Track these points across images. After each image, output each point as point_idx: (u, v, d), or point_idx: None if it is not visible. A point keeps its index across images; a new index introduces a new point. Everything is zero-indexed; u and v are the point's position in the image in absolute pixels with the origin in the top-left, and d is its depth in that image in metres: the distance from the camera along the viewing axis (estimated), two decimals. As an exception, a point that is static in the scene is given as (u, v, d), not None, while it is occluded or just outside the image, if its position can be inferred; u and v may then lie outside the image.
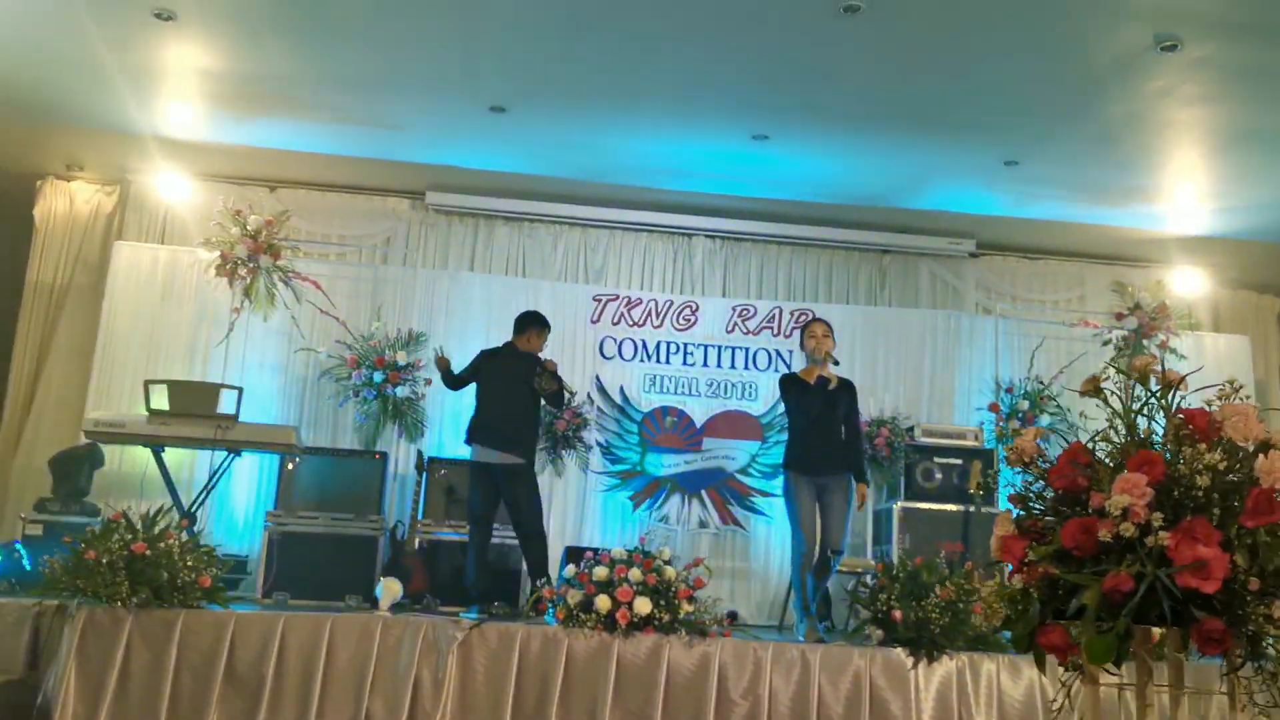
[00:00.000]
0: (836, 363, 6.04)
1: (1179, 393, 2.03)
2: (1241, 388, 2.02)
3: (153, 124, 7.32)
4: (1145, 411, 1.99)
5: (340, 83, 6.69)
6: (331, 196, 8.40)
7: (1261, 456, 1.82)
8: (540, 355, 6.45)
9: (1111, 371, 2.06)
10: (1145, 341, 8.01)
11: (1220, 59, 5.79)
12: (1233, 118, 6.50)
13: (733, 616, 6.88)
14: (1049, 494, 1.94)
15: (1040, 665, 1.92)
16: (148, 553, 4.63)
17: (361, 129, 7.36)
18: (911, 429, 7.82)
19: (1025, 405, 7.78)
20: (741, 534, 7.90)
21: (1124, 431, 1.96)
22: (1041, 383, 7.84)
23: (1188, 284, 8.74)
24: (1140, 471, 1.80)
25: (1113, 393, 2.01)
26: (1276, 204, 7.68)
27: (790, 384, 6.07)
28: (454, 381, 6.45)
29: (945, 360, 8.29)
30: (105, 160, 8.04)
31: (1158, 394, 1.96)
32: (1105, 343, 8.11)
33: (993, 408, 7.81)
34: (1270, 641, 1.80)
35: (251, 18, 5.89)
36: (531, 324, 6.48)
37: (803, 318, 8.21)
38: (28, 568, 5.94)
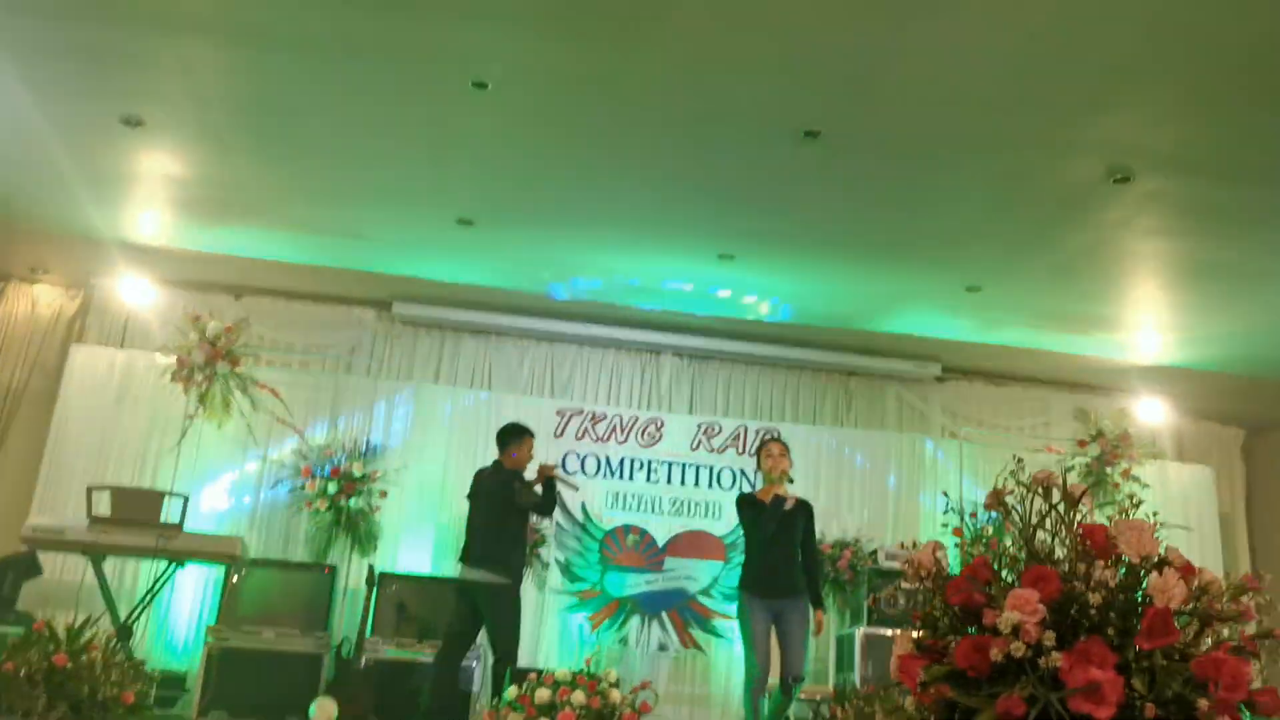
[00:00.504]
0: (791, 480, 5.94)
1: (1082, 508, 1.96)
2: (1143, 502, 1.95)
3: (118, 229, 7.32)
4: (1049, 527, 1.92)
5: (307, 193, 6.74)
6: (297, 304, 8.37)
7: (1156, 574, 1.74)
8: (525, 466, 6.34)
9: (1014, 485, 1.99)
10: (1109, 469, 7.98)
11: (1174, 194, 5.89)
12: (1190, 251, 6.59)
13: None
14: (949, 611, 1.86)
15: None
16: (69, 665, 4.42)
17: (328, 238, 7.38)
18: (874, 552, 7.70)
19: (990, 530, 7.67)
20: (702, 658, 7.69)
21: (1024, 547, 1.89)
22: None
23: (1151, 412, 8.77)
24: (1034, 587, 1.72)
25: (1013, 508, 1.94)
26: (1236, 336, 7.74)
27: (745, 504, 5.98)
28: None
29: (910, 483, 8.23)
30: (69, 264, 8.02)
31: (1056, 506, 1.90)
32: (1069, 469, 8.07)
33: (956, 532, 7.68)
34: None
35: (220, 127, 5.94)
36: (509, 437, 6.36)
37: (768, 436, 8.15)
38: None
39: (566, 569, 7.74)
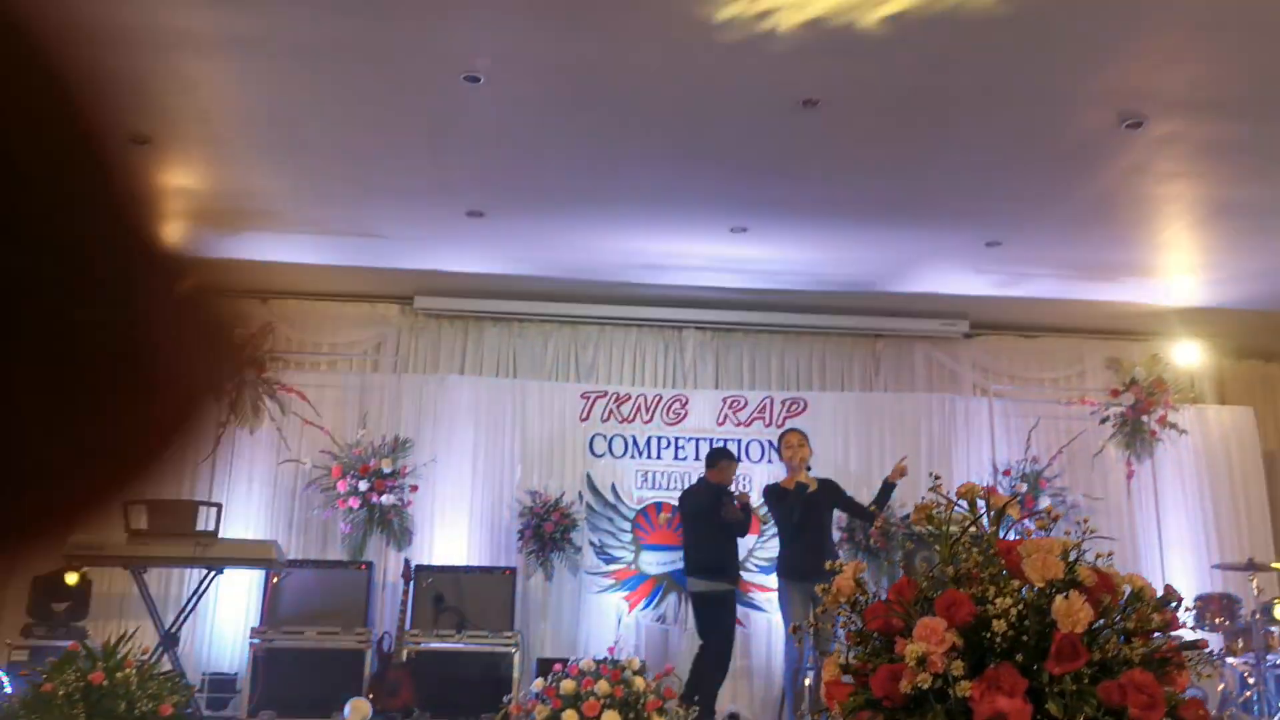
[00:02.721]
0: (810, 468, 6.11)
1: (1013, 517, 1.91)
2: (1060, 517, 1.90)
3: (139, 243, 7.42)
4: (971, 542, 1.88)
5: (317, 196, 6.78)
6: (322, 305, 8.46)
7: (1060, 598, 1.69)
8: (729, 487, 6.90)
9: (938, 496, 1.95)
10: (1145, 418, 7.84)
11: (1189, 135, 5.74)
12: (1211, 191, 6.42)
13: (734, 717, 6.69)
14: (871, 635, 1.83)
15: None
16: (104, 683, 4.55)
17: (345, 239, 7.44)
18: (907, 516, 7.64)
19: (1024, 488, 7.59)
20: (741, 631, 7.69)
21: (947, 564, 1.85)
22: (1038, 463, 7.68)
23: (1189, 356, 8.58)
24: (945, 614, 1.68)
25: (941, 522, 1.90)
26: (1271, 273, 7.55)
27: (771, 495, 6.31)
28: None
29: (942, 444, 8.14)
30: (97, 280, 8.14)
31: (976, 521, 1.85)
32: (1103, 420, 7.95)
33: (990, 491, 7.62)
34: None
35: (224, 139, 6.00)
36: (720, 459, 6.93)
37: (794, 407, 8.13)
38: (5, 699, 5.87)
39: (601, 550, 7.79)
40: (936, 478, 2.13)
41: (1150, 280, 7.76)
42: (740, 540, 7.00)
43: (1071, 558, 1.72)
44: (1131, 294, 8.03)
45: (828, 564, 2.04)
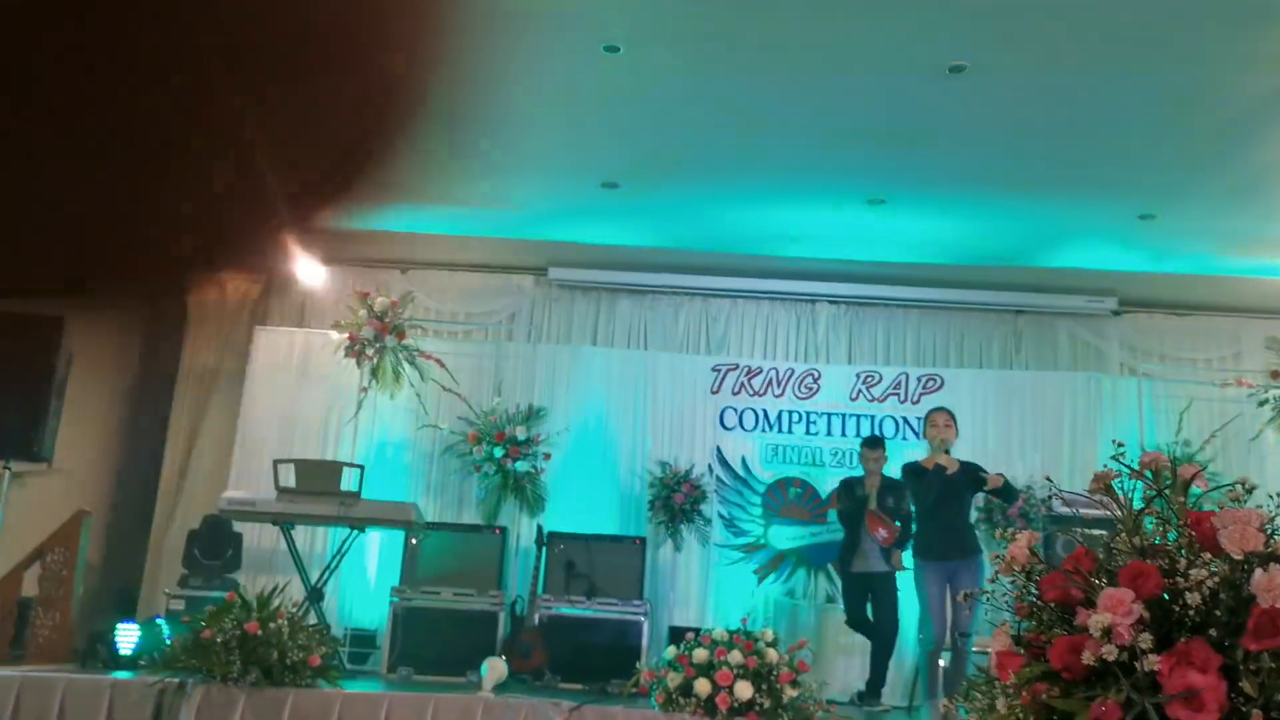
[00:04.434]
0: (947, 452, 5.98)
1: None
2: (1255, 488, 1.78)
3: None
4: (1159, 513, 1.78)
5: (455, 167, 6.91)
6: (459, 275, 8.63)
7: (1260, 571, 1.59)
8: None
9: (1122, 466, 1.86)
10: (1309, 401, 7.41)
11: (1366, 100, 5.37)
12: (1391, 159, 6.01)
13: (863, 696, 6.62)
14: (1046, 607, 1.75)
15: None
16: (259, 632, 4.76)
17: (482, 210, 7.56)
18: (1049, 499, 7.40)
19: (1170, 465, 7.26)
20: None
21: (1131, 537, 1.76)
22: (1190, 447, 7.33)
23: (1361, 337, 8.06)
24: (1132, 585, 1.60)
25: (1123, 492, 1.81)
26: None
27: (908, 473, 6.23)
28: None
29: (1086, 425, 7.85)
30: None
31: (1164, 491, 1.76)
32: (1261, 403, 7.54)
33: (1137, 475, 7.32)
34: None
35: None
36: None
37: (930, 384, 7.96)
38: (168, 644, 6.21)
39: (730, 523, 7.78)
40: (1120, 445, 2.04)
41: (1319, 256, 7.32)
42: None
43: (1269, 530, 1.63)
44: (1297, 270, 7.59)
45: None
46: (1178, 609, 1.60)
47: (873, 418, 7.95)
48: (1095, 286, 8.18)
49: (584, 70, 5.58)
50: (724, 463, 7.90)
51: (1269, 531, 1.64)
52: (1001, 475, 6.11)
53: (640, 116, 6.09)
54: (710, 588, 7.64)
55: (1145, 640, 1.56)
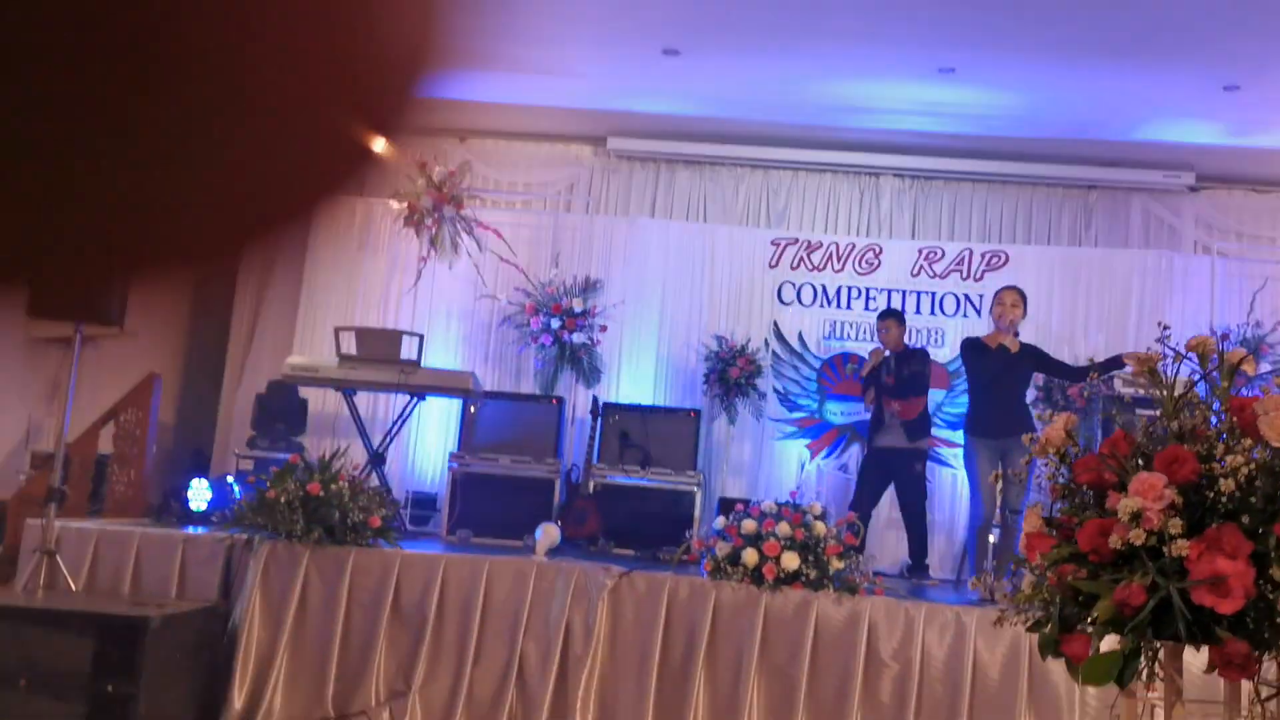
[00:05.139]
0: (1018, 334, 5.89)
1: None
2: None
3: (347, 81, 7.65)
4: (1199, 399, 1.74)
5: (513, 33, 6.76)
6: (517, 145, 8.56)
7: None
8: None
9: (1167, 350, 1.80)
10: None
11: None
12: None
13: (910, 569, 6.71)
14: (1079, 490, 1.73)
15: (1072, 673, 1.73)
16: (321, 494, 4.93)
17: (541, 78, 7.44)
18: (1112, 379, 7.28)
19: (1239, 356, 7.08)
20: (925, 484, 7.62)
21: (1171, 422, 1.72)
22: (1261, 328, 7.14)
23: None
24: (1167, 470, 1.57)
25: (1164, 376, 1.76)
26: None
27: (969, 348, 6.10)
28: None
29: (1155, 304, 7.65)
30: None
31: (1206, 376, 1.71)
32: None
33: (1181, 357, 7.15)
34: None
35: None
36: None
37: (995, 260, 7.81)
38: (237, 501, 6.46)
39: (785, 397, 7.80)
40: (1165, 328, 1.99)
41: None
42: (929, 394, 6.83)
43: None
44: (1391, 146, 7.22)
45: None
46: (1211, 495, 1.58)
47: (934, 294, 7.83)
48: (1172, 161, 7.87)
49: (643, -70, 5.39)
50: (780, 338, 7.88)
51: (1312, 421, 1.60)
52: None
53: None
54: (763, 461, 7.72)
55: (1175, 526, 1.54)
